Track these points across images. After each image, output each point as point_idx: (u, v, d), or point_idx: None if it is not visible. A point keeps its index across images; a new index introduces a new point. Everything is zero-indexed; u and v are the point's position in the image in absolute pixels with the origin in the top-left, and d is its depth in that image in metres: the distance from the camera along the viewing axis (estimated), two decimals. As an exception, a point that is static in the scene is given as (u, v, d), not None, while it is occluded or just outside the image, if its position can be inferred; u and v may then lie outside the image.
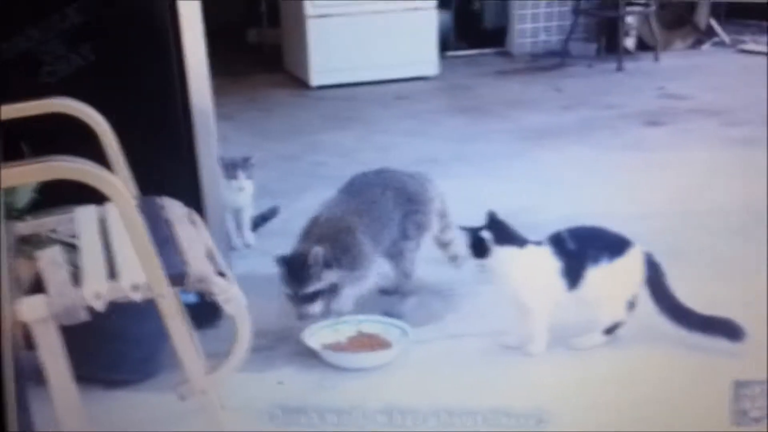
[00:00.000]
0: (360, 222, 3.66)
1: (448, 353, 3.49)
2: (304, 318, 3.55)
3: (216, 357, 2.53)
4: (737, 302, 3.63)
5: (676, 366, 3.33)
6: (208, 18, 3.57)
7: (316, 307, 3.53)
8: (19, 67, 3.32)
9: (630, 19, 9.22)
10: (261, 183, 4.99)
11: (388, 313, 3.70)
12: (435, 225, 3.92)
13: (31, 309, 2.24)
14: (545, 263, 3.39)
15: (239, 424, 2.87)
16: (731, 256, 4.25)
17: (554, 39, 9.56)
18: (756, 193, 5.02)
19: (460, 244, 3.61)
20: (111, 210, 2.71)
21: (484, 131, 6.76)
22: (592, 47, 9.40)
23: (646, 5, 9.14)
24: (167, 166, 3.53)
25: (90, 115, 2.85)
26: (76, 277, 2.38)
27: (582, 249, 3.39)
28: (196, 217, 2.94)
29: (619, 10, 8.96)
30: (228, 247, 4.05)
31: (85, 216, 2.83)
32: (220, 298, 2.42)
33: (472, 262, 3.93)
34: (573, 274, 3.38)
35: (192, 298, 3.01)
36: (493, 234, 3.35)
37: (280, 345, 3.55)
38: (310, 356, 3.43)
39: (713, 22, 9.94)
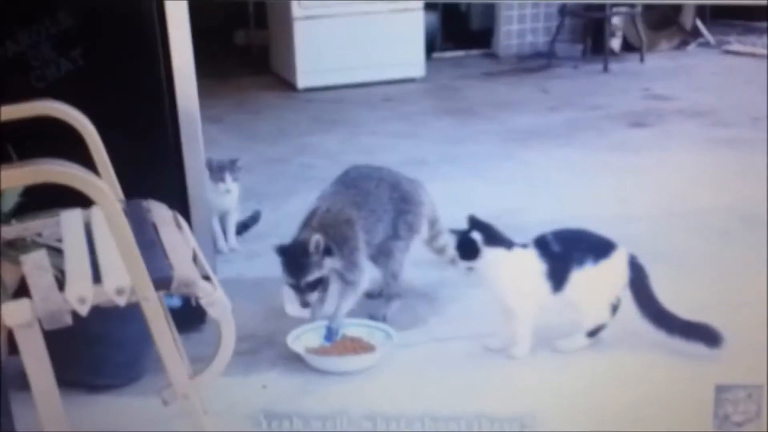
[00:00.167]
0: (359, 215, 3.69)
1: (432, 357, 3.50)
2: (308, 306, 3.60)
3: (200, 361, 2.53)
4: (720, 305, 3.64)
5: (659, 370, 3.33)
6: (196, 19, 3.56)
7: (317, 294, 3.60)
8: (8, 71, 3.31)
9: (616, 20, 9.24)
10: (248, 186, 5.00)
11: (373, 317, 3.71)
12: (424, 230, 3.93)
13: (15, 313, 2.24)
14: (531, 265, 3.40)
15: (223, 428, 2.87)
16: (715, 258, 4.26)
17: (540, 40, 9.59)
18: (741, 194, 5.06)
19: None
20: (96, 213, 2.70)
21: (470, 133, 6.77)
22: (578, 48, 9.41)
23: (631, 6, 9.14)
24: (153, 169, 3.51)
25: (76, 118, 2.85)
26: (61, 281, 2.38)
27: (567, 251, 3.40)
28: (182, 220, 2.94)
29: (605, 12, 8.98)
30: (214, 250, 4.05)
31: (70, 219, 2.82)
32: (204, 302, 2.42)
33: (449, 266, 3.99)
34: (558, 277, 3.39)
35: (176, 302, 3.02)
36: (483, 236, 3.36)
37: (264, 349, 3.55)
38: (294, 360, 3.43)
39: (699, 23, 9.96)
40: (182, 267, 2.47)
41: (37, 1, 3.29)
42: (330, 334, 3.57)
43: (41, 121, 2.77)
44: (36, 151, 2.33)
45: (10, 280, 2.65)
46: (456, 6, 9.69)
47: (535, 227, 3.55)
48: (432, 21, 9.22)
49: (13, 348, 2.33)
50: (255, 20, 9.69)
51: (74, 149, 2.70)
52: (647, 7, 9.46)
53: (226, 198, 4.46)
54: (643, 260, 3.45)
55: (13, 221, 3.00)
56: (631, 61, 9.19)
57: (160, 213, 2.92)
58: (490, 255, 3.37)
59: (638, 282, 3.41)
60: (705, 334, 3.33)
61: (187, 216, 3.35)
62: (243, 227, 4.65)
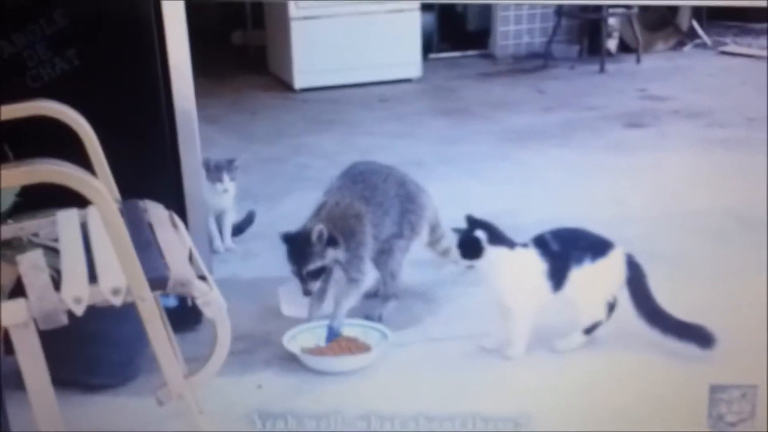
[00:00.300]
0: (367, 209, 3.71)
1: (427, 357, 3.50)
2: (309, 294, 3.61)
3: (196, 361, 2.53)
4: (716, 305, 3.65)
5: (654, 370, 3.34)
6: (193, 20, 3.57)
7: (320, 284, 3.62)
8: (4, 71, 3.31)
9: (612, 21, 9.24)
10: (245, 185, 4.99)
11: (369, 317, 3.72)
12: (425, 234, 3.95)
13: (11, 313, 2.24)
14: (533, 265, 3.41)
15: (218, 428, 2.87)
16: (711, 259, 4.26)
17: (537, 41, 9.58)
18: (737, 195, 5.06)
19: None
20: (93, 213, 2.71)
21: (467, 133, 6.78)
22: (575, 49, 9.41)
23: (628, 7, 9.15)
24: (150, 169, 3.52)
25: (73, 118, 2.85)
26: (57, 281, 2.38)
27: (566, 250, 3.41)
28: (178, 220, 2.94)
29: (601, 12, 8.98)
30: (210, 250, 4.05)
31: (66, 219, 2.82)
32: (200, 302, 2.43)
33: (453, 266, 3.99)
34: (558, 276, 3.41)
35: (172, 302, 3.03)
36: (486, 235, 3.37)
37: (260, 349, 3.55)
38: (289, 360, 3.43)
39: (695, 24, 9.97)
40: (178, 267, 2.47)
41: (33, 1, 3.29)
42: (331, 334, 3.58)
43: (38, 121, 2.78)
44: (32, 151, 2.33)
45: (7, 280, 2.65)
46: (453, 7, 9.69)
47: (531, 227, 3.56)
48: (429, 22, 9.22)
49: (8, 348, 2.33)
50: (252, 20, 9.69)
51: (71, 149, 2.71)
52: (644, 8, 9.46)
53: (223, 197, 4.47)
54: (639, 261, 3.46)
55: (10, 221, 3.00)
56: (628, 62, 9.20)
57: (157, 213, 2.92)
58: (493, 254, 3.37)
59: (635, 280, 3.42)
60: (698, 335, 3.34)
61: (183, 216, 3.36)
62: (238, 230, 4.65)
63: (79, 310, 2.29)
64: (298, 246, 3.55)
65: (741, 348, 3.34)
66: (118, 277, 2.33)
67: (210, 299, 2.43)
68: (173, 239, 2.71)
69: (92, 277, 2.38)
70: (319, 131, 6.92)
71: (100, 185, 2.33)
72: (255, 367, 3.42)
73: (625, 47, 9.43)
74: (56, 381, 2.35)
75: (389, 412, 2.94)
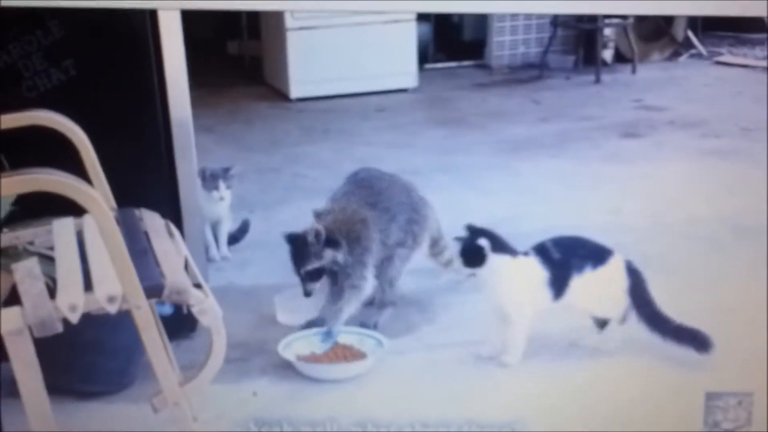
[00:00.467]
0: (373, 215, 3.73)
1: (423, 364, 3.50)
2: (308, 295, 3.64)
3: (191, 368, 2.54)
4: (711, 313, 3.64)
5: (649, 377, 3.34)
6: (189, 30, 3.58)
7: (318, 284, 3.64)
8: (0, 82, 3.32)
9: (608, 32, 9.25)
10: (241, 195, 5.00)
11: (364, 324, 3.71)
12: (425, 246, 3.96)
13: (5, 321, 2.25)
14: (534, 273, 3.41)
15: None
16: (706, 267, 4.27)
17: (532, 51, 9.59)
18: (732, 204, 5.07)
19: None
20: (89, 222, 2.71)
21: (463, 143, 6.78)
22: (570, 59, 9.42)
23: (623, 18, 9.16)
24: (146, 178, 3.53)
25: (68, 127, 2.86)
26: (52, 289, 2.39)
27: (566, 258, 3.42)
28: (174, 229, 2.95)
29: (597, 23, 9.00)
30: (205, 259, 4.05)
31: (62, 228, 2.83)
32: (196, 310, 2.44)
33: (450, 275, 4.00)
34: (559, 284, 3.41)
35: (167, 310, 3.03)
36: (489, 243, 3.37)
37: (255, 356, 3.54)
38: (285, 368, 3.43)
39: (690, 34, 9.99)
40: (174, 275, 2.48)
41: (29, 12, 3.30)
42: (327, 339, 3.59)
43: (34, 131, 2.79)
44: (28, 160, 2.33)
45: (2, 288, 2.66)
46: (448, 17, 9.69)
47: (527, 237, 3.55)
48: (424, 32, 9.23)
49: (3, 355, 2.33)
50: (248, 31, 9.69)
51: (67, 158, 2.72)
52: (639, 19, 9.47)
53: (219, 206, 4.47)
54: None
55: (5, 230, 3.01)
56: (623, 72, 9.21)
57: (152, 221, 2.93)
58: (496, 262, 3.38)
59: (636, 286, 3.44)
60: (696, 339, 3.34)
61: (179, 225, 3.36)
62: (233, 239, 4.65)
63: (74, 318, 2.29)
64: (297, 246, 3.59)
65: (737, 355, 3.35)
66: (114, 285, 2.34)
67: (205, 307, 2.44)
68: (169, 248, 2.72)
69: (88, 285, 2.38)
70: (315, 141, 6.92)
71: (96, 194, 2.34)
72: (250, 374, 3.41)
73: (620, 57, 9.44)
74: (51, 388, 2.35)
75: (385, 419, 2.94)
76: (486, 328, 3.56)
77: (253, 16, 9.34)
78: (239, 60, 9.86)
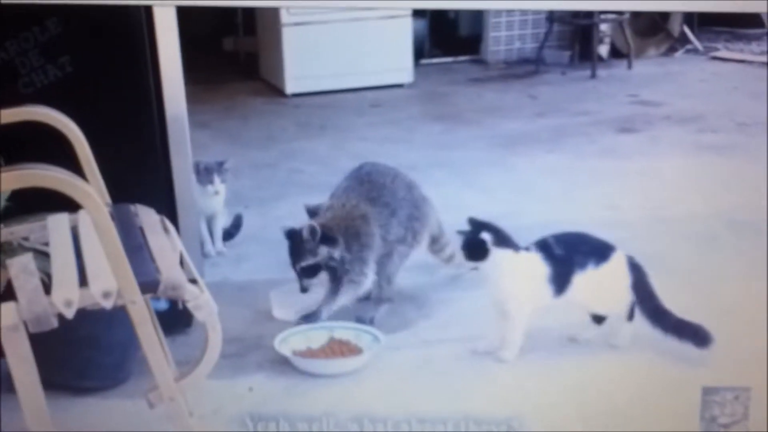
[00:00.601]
0: (374, 210, 3.75)
1: (420, 360, 3.49)
2: (304, 291, 3.67)
3: (186, 364, 2.53)
4: (707, 309, 3.64)
5: (646, 372, 3.35)
6: (184, 27, 3.58)
7: (314, 281, 3.66)
8: (-4, 78, 3.33)
9: (604, 27, 9.25)
10: (236, 191, 5.00)
11: (361, 320, 3.71)
12: (425, 244, 3.97)
13: (1, 317, 2.25)
14: (536, 269, 3.41)
15: (209, 430, 2.87)
16: (702, 262, 4.26)
17: (528, 47, 9.59)
18: (727, 199, 5.07)
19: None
20: (84, 217, 2.71)
21: (459, 138, 6.78)
22: (566, 55, 9.42)
23: (619, 13, 9.17)
24: (142, 174, 3.53)
25: (63, 123, 2.86)
26: (47, 285, 2.39)
27: (569, 254, 3.41)
28: (169, 224, 2.95)
29: (593, 18, 9.00)
30: (201, 254, 4.05)
31: (57, 223, 2.83)
32: (191, 305, 2.44)
33: (447, 270, 4.00)
34: (561, 280, 3.40)
35: (163, 305, 3.02)
36: (492, 237, 3.37)
37: (251, 352, 3.54)
38: (281, 363, 3.43)
39: (686, 30, 9.99)
40: (169, 270, 2.48)
41: (26, 10, 3.29)
42: (310, 320, 3.63)
43: (29, 127, 2.78)
44: (23, 156, 2.33)
45: (-3, 284, 2.66)
46: (444, 12, 9.69)
47: (524, 232, 3.54)
48: (420, 27, 9.23)
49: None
50: (243, 27, 9.68)
51: (62, 154, 2.71)
52: (635, 14, 9.47)
53: (214, 200, 4.47)
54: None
55: (0, 225, 3.00)
56: (619, 68, 9.21)
57: (148, 217, 2.93)
58: (498, 256, 3.37)
59: (638, 281, 3.44)
60: (697, 335, 3.34)
61: (174, 220, 3.36)
62: (228, 235, 4.64)
63: (69, 313, 2.29)
64: (294, 242, 3.61)
65: (733, 351, 3.35)
66: (109, 280, 2.34)
67: (201, 302, 2.44)
68: (164, 243, 2.72)
69: (83, 281, 2.38)
70: (310, 136, 6.92)
71: (91, 189, 2.34)
72: (246, 369, 3.41)
73: (616, 53, 9.44)
74: (47, 384, 2.35)
75: (381, 414, 2.94)
76: (482, 325, 3.57)
77: (249, 13, 9.34)
78: (235, 56, 9.85)
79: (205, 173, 4.39)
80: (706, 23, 10.47)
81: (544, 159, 6.16)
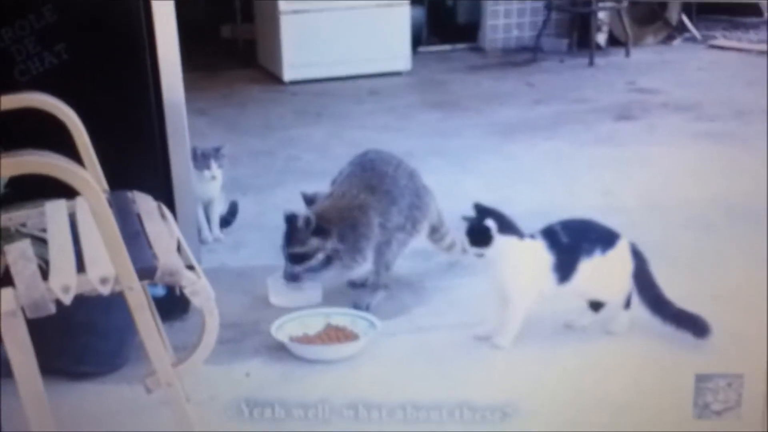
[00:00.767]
0: (373, 199, 3.75)
1: (415, 346, 3.50)
2: (290, 278, 3.68)
3: (183, 349, 2.54)
4: (702, 296, 3.65)
5: (640, 360, 3.35)
6: (182, 14, 3.58)
7: (298, 269, 3.65)
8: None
9: (602, 15, 9.25)
10: (235, 178, 5.01)
11: (357, 306, 3.73)
12: (424, 233, 3.98)
13: (-1, 302, 2.26)
14: (540, 257, 3.40)
15: (206, 416, 2.87)
16: (698, 250, 4.27)
17: (526, 34, 9.59)
18: (725, 187, 5.09)
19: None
20: (81, 204, 2.72)
21: (457, 126, 6.78)
22: (564, 42, 9.42)
23: (617, 1, 9.17)
24: (139, 161, 3.53)
25: (61, 110, 2.87)
26: (45, 271, 2.40)
27: (575, 242, 3.41)
28: (166, 210, 2.95)
29: (591, 6, 9.00)
30: (198, 240, 4.06)
31: (55, 210, 2.83)
32: (188, 291, 2.44)
33: (443, 256, 4.01)
34: (566, 268, 3.40)
35: (160, 291, 3.04)
36: (496, 223, 3.37)
37: (248, 338, 3.55)
38: (277, 349, 3.44)
39: (684, 18, 9.99)
40: (166, 257, 2.48)
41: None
42: (289, 275, 3.66)
43: (26, 113, 2.79)
44: (20, 142, 2.34)
45: (-5, 270, 2.66)
46: (442, 0, 9.70)
47: (522, 219, 3.53)
48: (418, 15, 9.22)
49: (-4, 337, 2.34)
50: (241, 14, 9.68)
51: (59, 141, 2.72)
52: (633, 2, 9.47)
53: (211, 185, 4.47)
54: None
55: (-2, 211, 3.02)
56: (617, 56, 9.21)
57: (145, 204, 2.93)
58: (502, 243, 3.37)
59: (639, 269, 3.44)
60: (695, 324, 3.36)
61: (171, 207, 3.37)
62: (224, 223, 4.65)
63: (67, 299, 2.30)
64: (288, 228, 3.62)
65: (727, 338, 3.36)
66: (107, 266, 2.34)
67: (198, 288, 2.44)
68: (161, 229, 2.72)
69: (80, 267, 2.38)
70: (308, 124, 6.93)
71: (88, 176, 2.34)
72: (243, 355, 3.41)
73: (614, 41, 9.44)
74: (45, 370, 2.36)
75: (377, 400, 2.94)
76: (479, 311, 3.60)
77: (247, 0, 9.34)
78: (233, 43, 9.84)
79: (202, 159, 4.39)
80: (704, 11, 10.47)
81: (541, 146, 6.17)
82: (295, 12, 8.11)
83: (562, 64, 8.95)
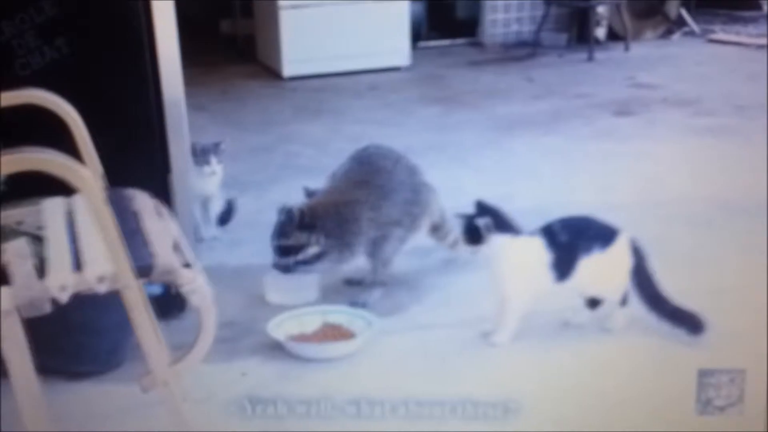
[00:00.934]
0: (363, 194, 3.75)
1: (414, 344, 3.49)
2: (277, 268, 3.74)
3: (180, 348, 2.53)
4: (703, 291, 3.65)
5: (642, 355, 3.36)
6: (181, 9, 3.58)
7: (285, 261, 3.71)
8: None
9: (601, 9, 9.24)
10: (234, 174, 4.99)
11: (354, 304, 3.72)
12: (424, 231, 3.97)
13: (-6, 301, 2.25)
14: (536, 255, 3.39)
15: (203, 415, 2.87)
16: (698, 245, 4.27)
17: (526, 29, 9.58)
18: (724, 183, 5.09)
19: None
20: (79, 201, 2.71)
21: (456, 121, 6.78)
22: (563, 37, 9.42)
23: (617, -5, 9.18)
24: (138, 158, 3.52)
25: (60, 106, 2.86)
26: (41, 269, 2.39)
27: (574, 240, 3.39)
28: (164, 208, 2.95)
29: (590, 0, 8.99)
30: (196, 238, 4.05)
31: (52, 207, 2.83)
32: (185, 290, 2.43)
33: (439, 253, 4.00)
34: (564, 266, 3.39)
35: (157, 290, 3.02)
36: (488, 221, 3.37)
37: (245, 336, 3.54)
38: (274, 347, 3.43)
39: (683, 12, 9.99)
40: (163, 255, 2.47)
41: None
42: (276, 265, 3.73)
43: (25, 110, 2.78)
44: (19, 139, 2.33)
45: (-9, 268, 2.65)
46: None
47: (521, 215, 3.53)
48: (418, 10, 9.22)
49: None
50: (241, 9, 9.66)
51: (58, 137, 2.71)
52: (632, -3, 9.50)
53: (211, 181, 4.46)
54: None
55: (-5, 209, 3.01)
56: (616, 50, 9.21)
57: (143, 201, 2.92)
58: (495, 241, 3.36)
59: (638, 265, 3.43)
60: (691, 322, 3.35)
61: (169, 205, 3.36)
62: (222, 221, 4.63)
63: (63, 298, 2.29)
64: (280, 220, 3.68)
65: (726, 334, 3.35)
66: (104, 265, 2.33)
67: (195, 287, 2.43)
68: (159, 228, 2.72)
69: (77, 265, 2.38)
70: (307, 119, 6.92)
71: (87, 173, 2.33)
72: (240, 354, 3.41)
73: (613, 35, 9.43)
74: (41, 369, 2.35)
75: (379, 397, 2.94)
76: (476, 308, 3.61)
77: (246, -6, 9.35)
78: (232, 39, 9.84)
79: (201, 154, 4.38)
80: (703, 5, 10.46)
81: (541, 141, 6.17)
82: (295, 7, 8.10)
83: (561, 59, 8.95)
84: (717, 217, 4.62)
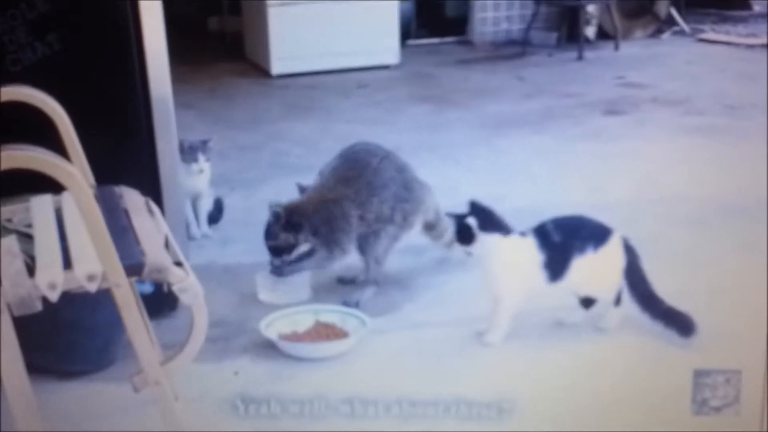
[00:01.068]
0: (349, 191, 3.73)
1: (407, 343, 3.47)
2: (272, 268, 3.73)
3: (172, 347, 2.52)
4: (696, 291, 3.64)
5: (637, 355, 3.34)
6: (169, 7, 3.56)
7: (278, 261, 3.71)
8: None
9: (591, 8, 9.25)
10: (222, 173, 4.97)
11: (347, 303, 3.70)
12: (417, 228, 3.94)
13: (-16, 300, 2.23)
14: (528, 254, 3.37)
15: (195, 414, 2.85)
16: (689, 245, 4.26)
17: (515, 28, 9.59)
18: (714, 182, 5.07)
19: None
20: (68, 199, 2.69)
21: (446, 120, 6.77)
22: (553, 36, 9.42)
23: (606, -6, 9.18)
24: (126, 155, 3.51)
25: (47, 103, 2.84)
26: (31, 267, 2.36)
27: (567, 240, 3.38)
28: (154, 206, 2.93)
29: (580, 0, 8.99)
30: (186, 236, 4.03)
31: (41, 205, 2.81)
32: (176, 288, 2.42)
33: (432, 252, 3.98)
34: (557, 266, 3.37)
35: (148, 288, 3.01)
36: (479, 221, 3.34)
37: (237, 335, 3.52)
38: (266, 346, 3.40)
39: (673, 12, 10.01)
40: (154, 253, 2.46)
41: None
42: (272, 267, 3.72)
43: (12, 107, 2.75)
44: (7, 136, 2.30)
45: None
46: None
47: (510, 214, 3.51)
48: (407, 8, 9.21)
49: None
50: (228, 7, 9.65)
51: (46, 135, 2.70)
52: (622, -4, 9.51)
53: (199, 179, 4.43)
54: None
55: (-17, 207, 2.98)
56: (606, 50, 9.22)
57: (132, 199, 2.91)
58: (486, 241, 3.35)
59: (631, 264, 3.42)
60: (682, 323, 3.33)
61: (159, 202, 3.34)
62: (212, 220, 4.61)
63: (53, 296, 2.27)
64: (268, 221, 3.68)
65: (724, 334, 3.34)
66: (94, 263, 2.32)
67: (186, 285, 2.42)
68: (149, 225, 2.70)
69: (67, 264, 2.36)
70: (296, 117, 6.90)
71: (75, 170, 2.32)
72: (232, 353, 3.38)
73: (603, 34, 9.44)
74: (32, 368, 2.33)
75: (372, 396, 2.92)
76: (469, 307, 3.60)
77: (234, -8, 9.33)
78: (220, 36, 9.83)
79: (189, 151, 4.36)
80: (692, 5, 10.48)
81: (530, 141, 6.16)
82: (283, 5, 8.09)
83: (551, 58, 8.96)
84: (708, 216, 4.61)
